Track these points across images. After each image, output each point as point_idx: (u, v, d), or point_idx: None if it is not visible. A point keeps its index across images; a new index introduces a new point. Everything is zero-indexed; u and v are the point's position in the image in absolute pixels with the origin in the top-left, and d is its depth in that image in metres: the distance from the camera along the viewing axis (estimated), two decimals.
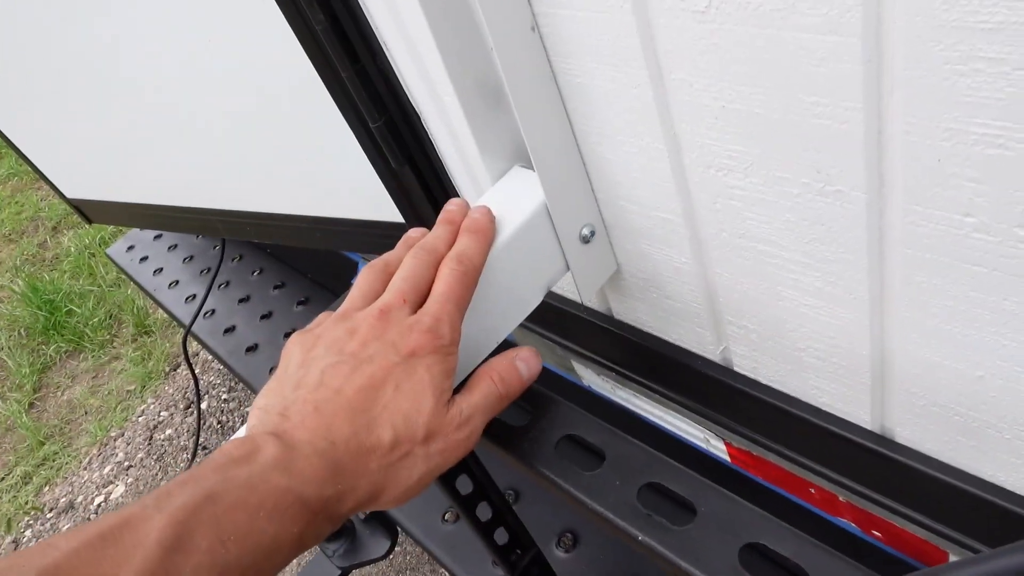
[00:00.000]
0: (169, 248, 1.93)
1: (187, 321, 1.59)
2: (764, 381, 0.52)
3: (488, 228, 0.47)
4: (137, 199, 1.19)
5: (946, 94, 0.29)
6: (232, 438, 0.42)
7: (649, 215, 0.48)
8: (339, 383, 0.41)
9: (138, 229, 2.01)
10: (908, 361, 0.41)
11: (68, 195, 1.40)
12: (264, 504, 0.37)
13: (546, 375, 0.69)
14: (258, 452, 0.39)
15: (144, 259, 1.94)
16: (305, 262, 1.62)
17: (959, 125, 0.29)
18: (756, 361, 0.52)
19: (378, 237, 0.76)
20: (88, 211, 1.44)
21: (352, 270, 1.22)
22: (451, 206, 0.50)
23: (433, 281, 0.45)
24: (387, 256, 0.49)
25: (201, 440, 2.28)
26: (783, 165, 0.37)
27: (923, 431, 0.45)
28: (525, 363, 0.47)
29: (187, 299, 1.72)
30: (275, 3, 0.58)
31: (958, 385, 0.40)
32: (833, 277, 0.41)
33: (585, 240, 0.52)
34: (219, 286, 1.68)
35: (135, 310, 2.85)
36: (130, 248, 2.01)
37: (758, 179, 0.39)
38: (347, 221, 0.78)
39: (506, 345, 0.50)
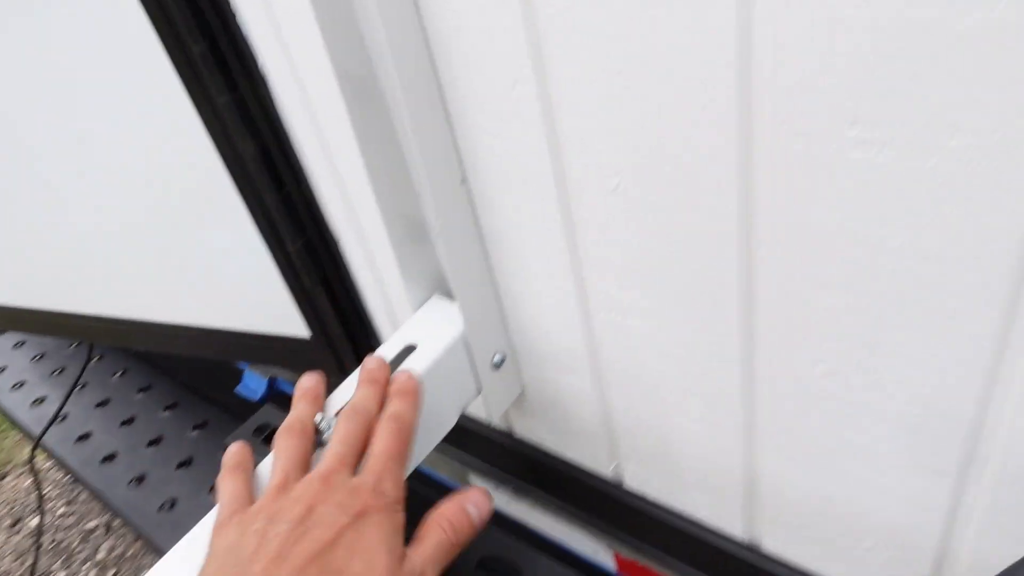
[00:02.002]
0: (15, 345, 1.78)
1: (34, 428, 1.46)
2: (652, 496, 0.58)
3: (417, 390, 0.49)
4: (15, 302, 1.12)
5: (803, 269, 0.38)
6: None
7: (555, 345, 0.55)
8: (289, 551, 0.40)
9: None
10: (773, 480, 0.49)
11: None
12: None
13: (444, 488, 0.71)
14: None
15: None
16: (175, 363, 1.55)
17: (816, 296, 0.38)
18: (645, 477, 0.58)
19: (282, 351, 0.77)
20: None
21: (235, 376, 1.19)
22: (371, 364, 0.51)
23: (367, 442, 0.46)
24: (299, 416, 0.49)
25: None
26: (674, 314, 0.45)
27: (785, 541, 0.52)
28: (475, 506, 0.46)
29: (34, 403, 1.58)
30: (201, 125, 0.61)
31: (812, 501, 0.47)
32: (713, 407, 0.48)
33: (496, 366, 0.57)
34: (75, 388, 1.57)
35: None
36: None
37: (654, 323, 0.46)
38: (250, 334, 0.79)
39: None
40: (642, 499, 0.59)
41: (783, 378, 0.43)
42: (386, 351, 0.54)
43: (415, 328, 0.55)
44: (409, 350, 0.53)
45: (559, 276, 0.49)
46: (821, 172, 0.33)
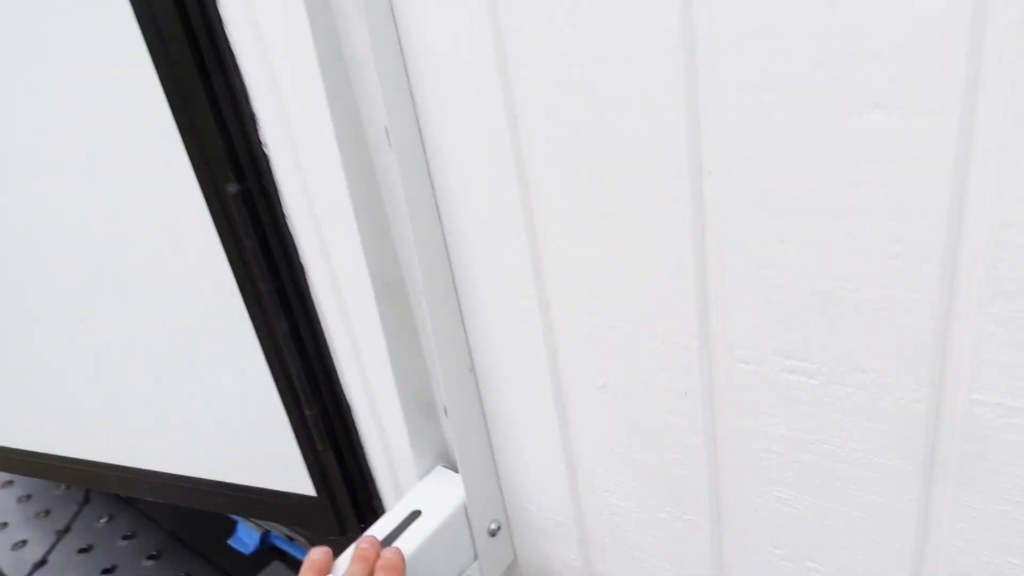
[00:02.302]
0: (1, 485, 1.78)
1: (13, 573, 1.45)
2: None
3: (402, 567, 0.55)
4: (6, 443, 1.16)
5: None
6: None
7: (546, 517, 0.60)
8: None
9: None
10: None
11: None
12: None
13: None
14: None
15: None
16: (164, 511, 1.55)
17: (771, 492, 0.45)
18: None
19: (289, 508, 0.81)
20: None
21: (226, 527, 1.21)
22: (364, 543, 0.57)
23: None
24: None
25: None
26: (652, 496, 0.51)
27: None
28: None
29: (15, 546, 1.56)
30: (243, 305, 0.69)
31: None
32: None
33: (492, 534, 0.62)
34: (56, 532, 1.56)
35: None
36: None
37: (634, 503, 0.53)
38: (254, 489, 0.84)
39: None
40: None
41: (749, 558, 0.48)
42: (394, 515, 0.60)
43: (421, 495, 0.60)
44: (415, 515, 0.59)
45: (551, 455, 0.56)
46: (765, 391, 0.42)
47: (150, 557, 1.46)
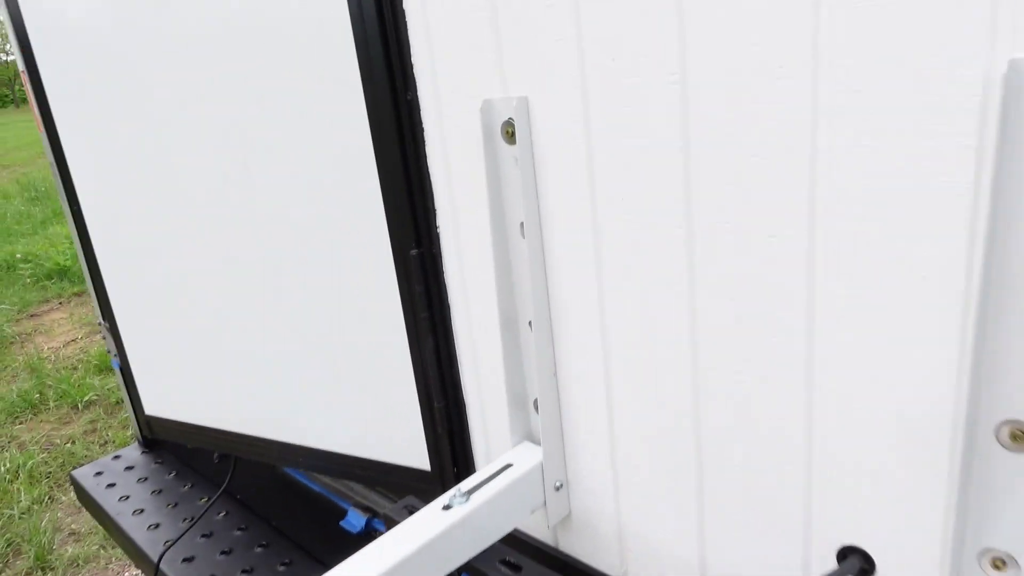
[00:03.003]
0: (138, 480, 2.15)
1: (149, 549, 1.80)
2: None
3: None
4: (204, 422, 1.55)
5: None
6: None
7: (593, 480, 0.92)
8: None
9: (110, 458, 2.26)
10: (716, 567, 0.82)
11: (146, 411, 1.74)
12: None
13: None
14: None
15: (111, 485, 2.15)
16: (287, 522, 1.86)
17: None
18: (645, 572, 0.91)
19: (409, 479, 1.15)
20: (154, 426, 1.77)
21: (340, 513, 1.53)
22: None
23: None
24: None
25: None
26: (659, 462, 0.83)
27: None
28: None
29: (150, 527, 1.92)
30: (404, 329, 1.05)
31: None
32: (681, 519, 0.84)
33: (557, 488, 0.94)
34: (202, 536, 1.89)
35: (40, 543, 2.84)
36: (98, 474, 2.22)
37: (647, 466, 0.84)
38: (387, 464, 1.18)
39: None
40: None
41: (721, 505, 0.79)
42: (492, 465, 0.92)
43: (511, 456, 0.93)
44: (507, 466, 0.91)
45: (600, 435, 0.89)
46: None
47: (260, 545, 1.79)
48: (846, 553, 0.70)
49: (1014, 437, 0.56)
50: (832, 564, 0.71)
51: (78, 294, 5.77)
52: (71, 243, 6.02)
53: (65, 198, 1.88)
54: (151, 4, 1.20)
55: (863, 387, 0.64)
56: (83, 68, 1.44)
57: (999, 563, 0.60)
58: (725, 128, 0.65)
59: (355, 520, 1.48)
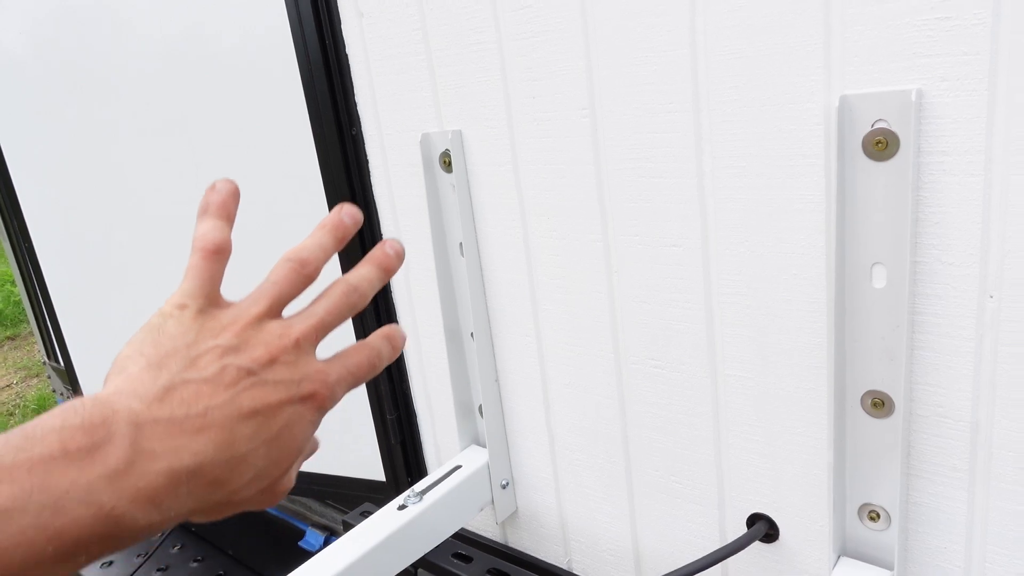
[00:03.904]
0: None
1: None
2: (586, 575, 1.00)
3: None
4: None
5: None
6: (87, 402, 0.35)
7: (536, 476, 1.00)
8: (236, 392, 0.38)
9: None
10: (648, 550, 0.91)
11: None
12: (64, 536, 0.32)
13: None
14: (102, 450, 0.33)
15: None
16: (244, 549, 1.87)
17: None
18: (585, 564, 0.99)
19: (362, 490, 1.21)
20: None
21: (296, 535, 1.57)
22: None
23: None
24: (305, 251, 0.46)
25: None
26: (595, 451, 0.92)
27: None
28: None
29: (103, 566, 1.92)
30: None
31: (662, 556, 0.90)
32: (617, 506, 0.93)
33: (503, 487, 1.02)
34: (157, 571, 1.88)
35: None
36: None
37: (585, 457, 0.94)
38: (341, 478, 1.24)
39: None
40: None
41: (644, 480, 0.89)
42: (443, 468, 1.00)
43: (460, 459, 1.01)
44: (457, 468, 0.99)
45: (540, 435, 0.97)
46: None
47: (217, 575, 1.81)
48: (754, 519, 0.80)
49: (875, 405, 0.67)
50: (743, 530, 0.81)
51: (11, 338, 5.59)
52: (1, 286, 5.85)
53: (5, 235, 1.89)
54: (106, 32, 1.26)
55: (755, 373, 0.75)
56: (28, 98, 1.49)
57: (874, 515, 0.71)
58: (630, 152, 0.76)
59: (313, 539, 1.52)
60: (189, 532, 2.00)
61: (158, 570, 1.87)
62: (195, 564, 1.87)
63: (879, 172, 0.60)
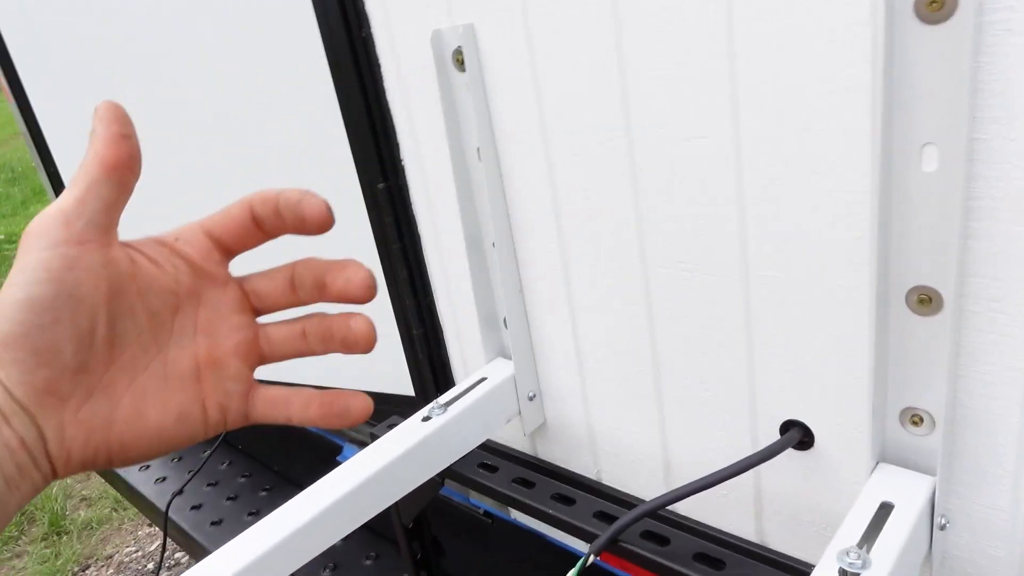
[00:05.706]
0: None
1: (158, 501, 1.88)
2: (618, 487, 0.98)
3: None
4: None
5: None
6: None
7: (564, 388, 0.98)
8: None
9: None
10: (679, 460, 0.89)
11: None
12: None
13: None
14: None
15: None
16: (288, 465, 1.92)
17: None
18: (614, 474, 0.98)
19: (394, 405, 1.21)
20: None
21: (335, 451, 1.61)
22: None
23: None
24: None
25: None
26: (623, 362, 0.89)
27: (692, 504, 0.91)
28: None
29: (156, 481, 2.00)
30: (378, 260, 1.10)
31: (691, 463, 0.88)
32: (644, 416, 0.90)
33: (530, 398, 1.00)
34: (208, 485, 1.95)
35: (53, 510, 2.93)
36: None
37: (612, 368, 0.91)
38: (373, 394, 1.24)
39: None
40: (613, 489, 0.99)
41: (678, 394, 0.86)
42: (468, 380, 0.98)
43: (486, 370, 0.99)
44: (482, 380, 0.97)
45: (567, 346, 0.95)
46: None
47: (264, 490, 1.87)
48: (788, 427, 0.77)
49: (921, 302, 0.62)
50: (776, 438, 0.78)
51: None
52: None
53: (46, 175, 1.90)
54: None
55: (790, 272, 0.70)
56: (54, 38, 1.46)
57: (917, 419, 0.67)
58: (655, 34, 0.69)
59: (350, 454, 1.55)
60: (236, 450, 2.06)
61: (208, 484, 1.95)
62: (243, 479, 1.94)
63: (933, 36, 0.53)
